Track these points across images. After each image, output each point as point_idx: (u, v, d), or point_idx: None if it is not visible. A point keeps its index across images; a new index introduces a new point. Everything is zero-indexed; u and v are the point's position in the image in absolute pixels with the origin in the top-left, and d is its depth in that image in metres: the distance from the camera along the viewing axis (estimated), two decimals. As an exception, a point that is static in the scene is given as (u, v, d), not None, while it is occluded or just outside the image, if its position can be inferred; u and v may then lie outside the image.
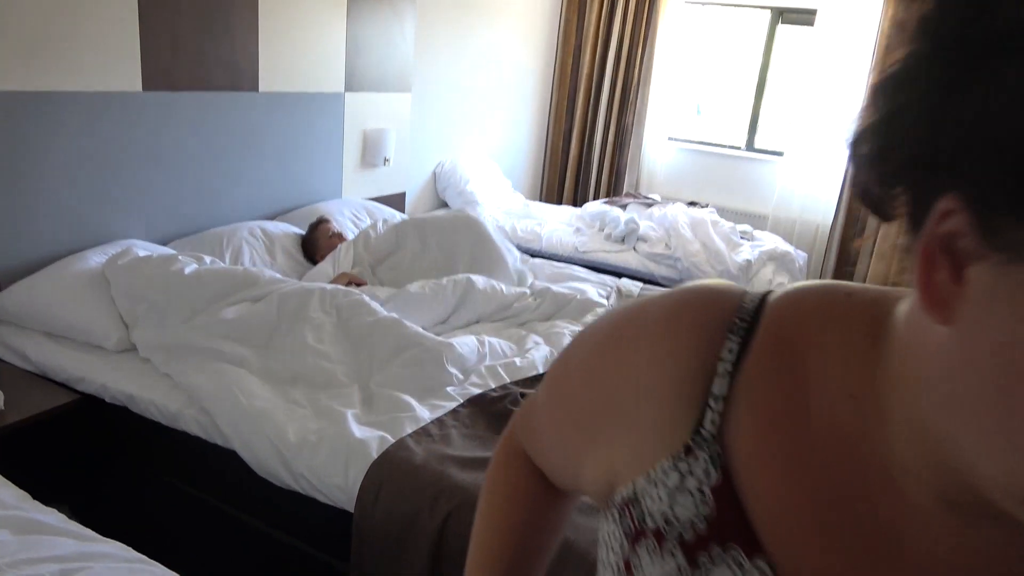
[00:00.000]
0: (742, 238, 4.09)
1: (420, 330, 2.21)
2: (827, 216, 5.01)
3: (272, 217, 3.41)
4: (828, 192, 5.00)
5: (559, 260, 4.02)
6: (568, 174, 5.89)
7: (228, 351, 2.10)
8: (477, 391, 2.06)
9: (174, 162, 2.87)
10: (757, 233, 4.31)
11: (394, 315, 2.27)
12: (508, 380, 2.14)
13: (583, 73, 5.66)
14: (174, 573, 1.36)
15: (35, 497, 1.61)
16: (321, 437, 1.78)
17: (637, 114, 5.55)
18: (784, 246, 4.07)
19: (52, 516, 1.51)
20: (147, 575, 1.36)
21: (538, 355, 2.31)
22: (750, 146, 5.47)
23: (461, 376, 2.14)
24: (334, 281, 2.75)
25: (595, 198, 5.77)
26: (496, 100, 5.18)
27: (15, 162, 2.35)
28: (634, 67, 5.52)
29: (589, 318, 2.65)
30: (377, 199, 4.07)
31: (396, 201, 4.26)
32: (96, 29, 2.49)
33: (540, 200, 5.98)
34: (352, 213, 3.54)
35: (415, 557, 1.61)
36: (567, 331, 2.52)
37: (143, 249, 2.57)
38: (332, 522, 1.77)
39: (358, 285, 2.75)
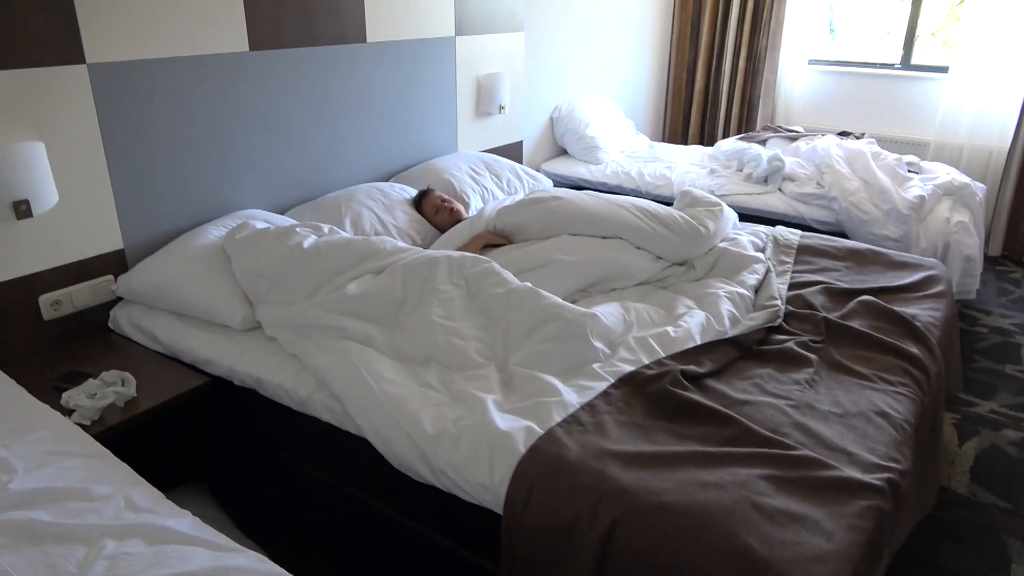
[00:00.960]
0: (909, 171, 3.57)
1: (558, 300, 1.96)
2: (1004, 140, 4.33)
3: (387, 177, 3.24)
4: (1004, 111, 4.31)
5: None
6: (694, 110, 5.41)
7: (354, 329, 1.94)
8: (628, 368, 1.80)
9: (285, 125, 2.72)
10: (925, 164, 3.76)
11: (528, 284, 2.03)
12: (663, 354, 1.87)
13: (708, -5, 5.13)
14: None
15: (166, 480, 1.52)
16: (460, 428, 1.59)
17: (771, 36, 4.98)
18: (961, 177, 3.51)
19: (185, 521, 1.40)
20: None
21: (693, 323, 2.02)
22: (906, 64, 4.80)
23: (608, 351, 1.89)
24: (469, 245, 2.51)
25: (725, 135, 5.30)
26: (612, 34, 4.77)
27: (132, 135, 2.26)
28: (768, -16, 4.93)
29: (746, 275, 2.32)
30: (493, 150, 3.83)
31: (513, 151, 4.00)
32: (199, -12, 2.34)
33: (663, 141, 5.56)
34: (470, 168, 3.31)
35: (575, 570, 1.40)
36: (722, 291, 2.20)
37: (261, 221, 2.45)
38: (479, 521, 1.58)
39: (496, 246, 2.51)
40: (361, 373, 1.78)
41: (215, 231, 2.39)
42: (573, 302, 2.27)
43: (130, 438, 1.87)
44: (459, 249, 2.45)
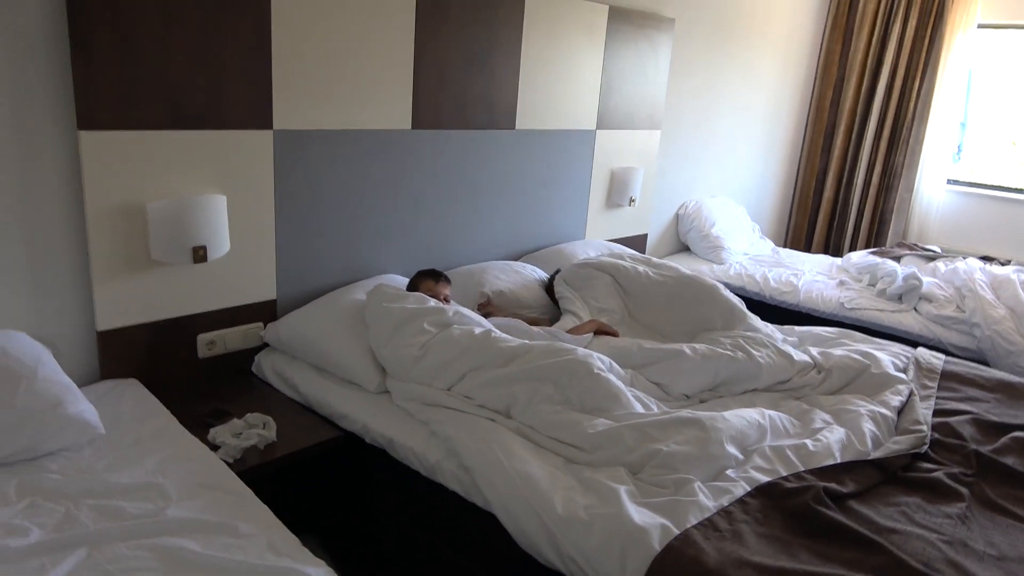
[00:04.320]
0: (1061, 303, 3.36)
1: (688, 413, 1.94)
2: None
3: (517, 256, 3.34)
4: None
5: (821, 317, 3.57)
6: (820, 219, 5.34)
7: (482, 413, 1.99)
8: (765, 478, 1.75)
9: (432, 198, 2.88)
10: (1077, 298, 3.53)
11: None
12: (801, 467, 1.80)
13: (845, 107, 5.13)
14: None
15: (291, 526, 1.56)
16: (593, 516, 1.57)
17: (910, 153, 4.89)
18: (1121, 315, 3.28)
19: (321, 571, 1.44)
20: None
21: (833, 438, 1.94)
22: (1056, 192, 4.59)
23: (742, 456, 1.84)
24: (582, 328, 2.55)
25: (853, 248, 5.18)
26: (743, 139, 4.82)
27: (299, 196, 2.45)
28: (909, 100, 4.89)
29: (889, 395, 2.22)
30: (619, 240, 3.89)
31: (637, 243, 4.05)
32: (377, 72, 2.55)
33: (786, 247, 5.49)
34: (595, 255, 3.37)
35: None
36: (863, 409, 2.12)
37: (394, 285, 2.54)
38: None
39: (609, 334, 2.54)
40: (492, 447, 1.80)
41: (359, 293, 2.52)
42: (702, 402, 2.24)
43: (264, 482, 1.96)
44: (572, 331, 2.49)
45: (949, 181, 4.92)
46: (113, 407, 1.98)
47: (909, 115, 4.88)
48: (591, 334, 2.48)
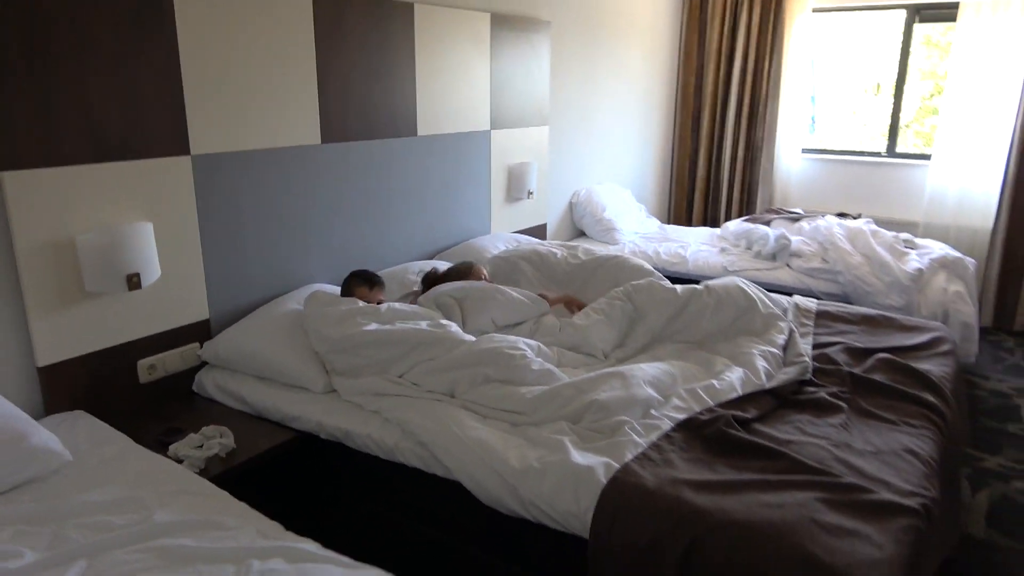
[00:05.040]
0: (906, 247, 3.89)
1: (609, 368, 2.22)
2: (987, 219, 4.70)
3: (432, 255, 3.52)
4: (986, 193, 4.70)
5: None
6: (696, 195, 5.81)
7: (429, 397, 2.18)
8: (682, 416, 2.03)
9: (348, 207, 3.02)
10: (919, 241, 4.10)
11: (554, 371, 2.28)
12: (711, 403, 2.10)
13: (707, 91, 5.62)
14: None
15: None
16: (544, 464, 1.80)
17: (768, 128, 5.43)
18: (953, 252, 3.84)
19: (312, 544, 1.59)
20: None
21: (734, 376, 2.26)
22: (891, 152, 5.23)
23: (662, 399, 2.12)
24: (555, 300, 2.89)
25: (728, 218, 5.67)
26: (622, 127, 5.20)
27: (221, 218, 2.54)
28: (761, 81, 5.42)
29: (775, 335, 2.58)
30: (522, 231, 4.15)
31: (539, 232, 4.32)
32: (284, 92, 2.67)
33: (670, 223, 5.93)
34: (504, 247, 3.61)
35: (659, 584, 1.59)
36: (755, 350, 2.45)
37: (328, 292, 2.69)
38: (564, 549, 1.77)
39: (579, 307, 2.86)
40: (444, 421, 2.00)
41: (291, 304, 2.64)
42: (619, 361, 2.52)
43: (230, 487, 2.06)
44: (550, 301, 2.84)
45: (804, 150, 5.49)
46: (69, 437, 2.02)
47: (763, 94, 5.42)
48: (560, 305, 2.86)
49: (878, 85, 5.46)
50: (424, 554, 2.11)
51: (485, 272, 3.01)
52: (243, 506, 1.76)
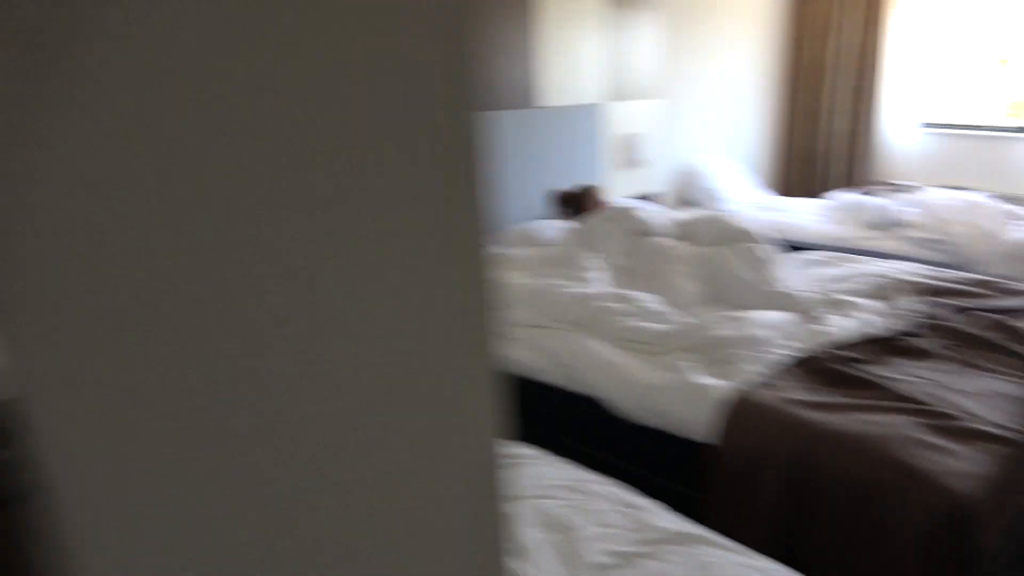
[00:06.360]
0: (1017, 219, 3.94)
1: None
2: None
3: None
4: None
5: (822, 250, 4.12)
6: (803, 166, 5.90)
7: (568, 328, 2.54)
8: (797, 355, 2.30)
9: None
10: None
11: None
12: (823, 346, 2.36)
13: (813, 64, 5.68)
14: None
15: None
16: (666, 381, 2.13)
17: (876, 100, 5.45)
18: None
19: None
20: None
21: (851, 324, 2.50)
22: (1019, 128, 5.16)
23: (778, 339, 2.40)
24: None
25: (836, 190, 5.74)
26: (731, 99, 5.36)
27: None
28: (870, 54, 5.44)
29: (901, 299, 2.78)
30: (635, 198, 4.42)
31: (650, 200, 4.58)
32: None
33: (776, 194, 6.04)
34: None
35: (767, 488, 1.88)
36: (868, 304, 2.67)
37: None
38: (683, 455, 2.09)
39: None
40: (584, 346, 2.35)
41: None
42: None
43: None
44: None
45: (919, 124, 5.49)
46: None
47: (873, 66, 5.45)
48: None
49: (1004, 59, 5.38)
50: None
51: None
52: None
